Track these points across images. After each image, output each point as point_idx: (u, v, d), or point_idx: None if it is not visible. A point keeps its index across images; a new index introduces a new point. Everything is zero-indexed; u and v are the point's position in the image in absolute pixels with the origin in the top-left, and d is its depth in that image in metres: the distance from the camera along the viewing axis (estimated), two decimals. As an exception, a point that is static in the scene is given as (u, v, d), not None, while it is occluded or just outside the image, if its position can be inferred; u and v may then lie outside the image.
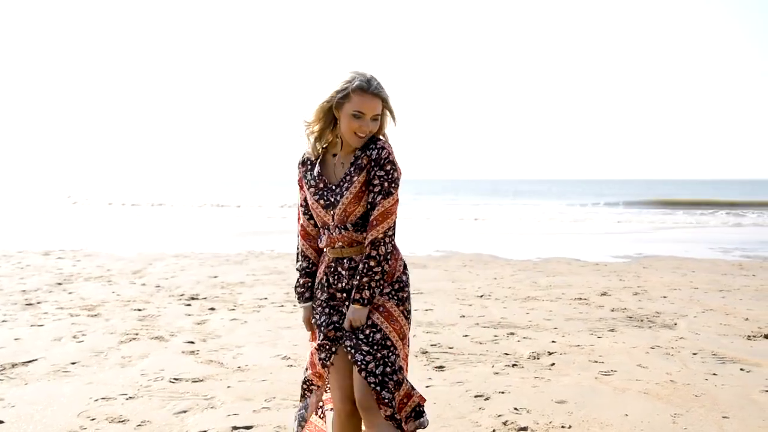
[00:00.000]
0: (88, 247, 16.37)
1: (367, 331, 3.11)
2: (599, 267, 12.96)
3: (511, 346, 6.67)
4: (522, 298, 9.36)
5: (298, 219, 3.36)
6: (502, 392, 5.22)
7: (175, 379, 5.58)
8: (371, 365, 3.06)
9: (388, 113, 3.17)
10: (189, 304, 8.83)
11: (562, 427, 4.52)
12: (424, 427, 3.19)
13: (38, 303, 8.80)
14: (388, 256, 3.11)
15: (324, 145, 3.21)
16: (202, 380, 5.55)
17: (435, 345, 6.72)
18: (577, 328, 7.49)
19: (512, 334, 7.18)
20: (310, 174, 3.21)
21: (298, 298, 3.34)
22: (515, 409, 4.85)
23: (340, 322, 3.17)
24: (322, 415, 3.47)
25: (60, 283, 10.45)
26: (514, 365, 6.01)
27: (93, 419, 4.65)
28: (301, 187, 3.27)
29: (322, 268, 3.28)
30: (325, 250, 3.26)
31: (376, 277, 3.10)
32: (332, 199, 3.12)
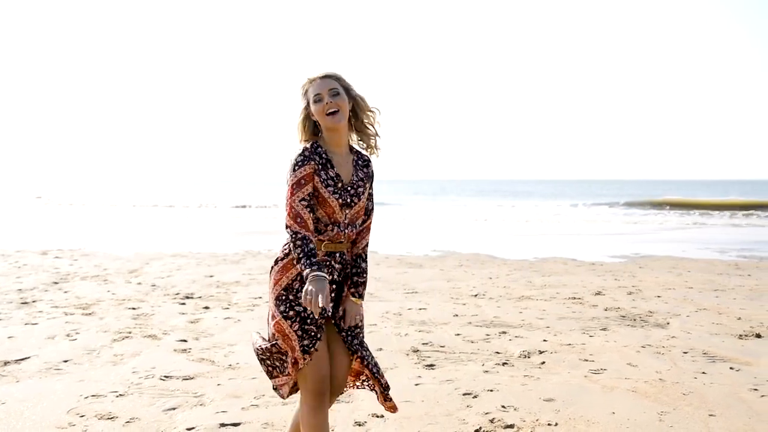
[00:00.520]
0: (85, 246, 16.41)
1: (357, 331, 3.41)
2: (595, 267, 12.99)
3: (503, 345, 6.70)
4: (516, 298, 9.38)
5: (297, 215, 3.22)
6: (491, 390, 5.24)
7: (165, 376, 5.61)
8: (374, 359, 3.42)
9: (355, 95, 3.42)
10: (184, 303, 8.85)
11: (549, 424, 4.54)
12: None
13: (33, 302, 8.83)
14: None
15: (317, 142, 3.35)
16: (192, 378, 5.58)
17: (426, 344, 6.74)
18: (570, 327, 7.52)
19: (504, 333, 7.21)
20: (325, 172, 3.29)
21: (319, 270, 3.09)
22: (503, 406, 4.87)
23: (323, 313, 3.25)
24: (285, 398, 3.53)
25: (56, 282, 10.49)
26: (504, 364, 6.03)
27: (82, 416, 4.68)
28: (308, 182, 3.25)
29: None
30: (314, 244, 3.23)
31: (366, 276, 3.48)
32: (348, 199, 3.32)
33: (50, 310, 8.31)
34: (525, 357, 6.26)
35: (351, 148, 3.49)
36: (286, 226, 3.22)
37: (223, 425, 4.53)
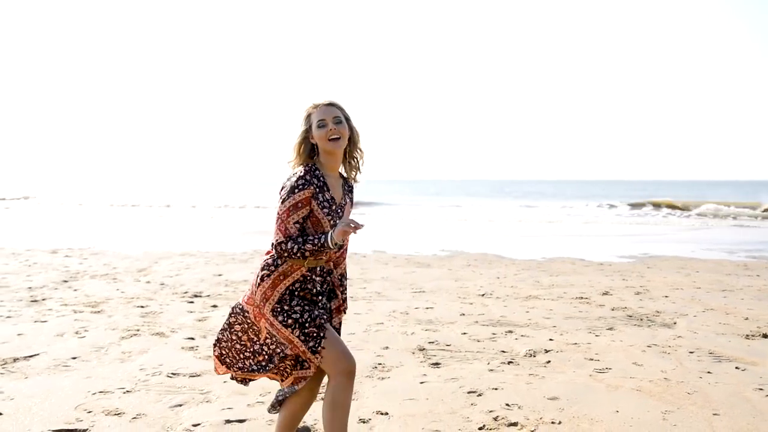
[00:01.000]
0: (95, 245, 16.50)
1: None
2: (603, 267, 12.98)
3: (509, 344, 6.71)
4: (523, 297, 9.39)
5: (289, 237, 3.45)
6: (496, 389, 5.26)
7: (172, 374, 5.65)
8: None
9: (353, 126, 3.70)
10: (192, 302, 8.90)
11: (552, 422, 4.56)
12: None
13: (43, 300, 8.90)
14: None
15: (314, 167, 3.57)
16: (199, 375, 5.62)
17: (432, 342, 6.76)
18: (576, 326, 7.53)
19: (510, 332, 7.22)
20: (322, 195, 3.52)
21: (329, 238, 3.42)
22: (507, 405, 4.89)
23: (322, 314, 3.55)
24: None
25: (66, 281, 10.55)
26: (509, 362, 6.05)
27: (90, 412, 4.72)
28: (304, 206, 3.47)
29: (294, 276, 3.54)
30: (292, 262, 3.52)
31: (347, 292, 4.00)
32: (337, 221, 3.57)
33: (59, 307, 8.37)
34: (530, 356, 6.28)
35: (340, 173, 3.77)
36: (277, 243, 3.46)
37: (228, 422, 4.57)
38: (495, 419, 4.60)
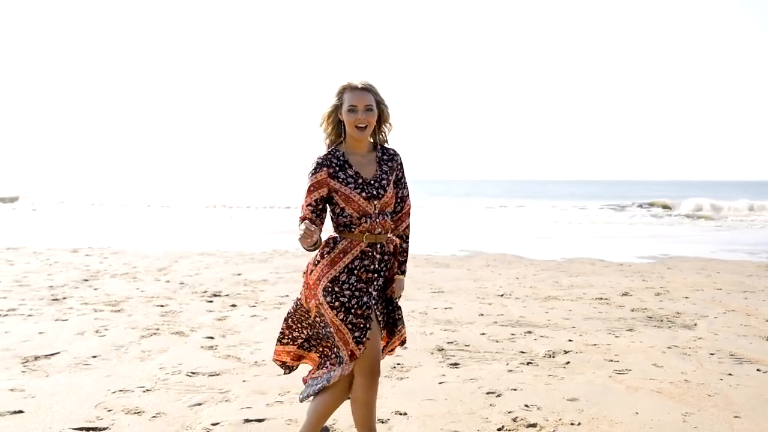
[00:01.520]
0: (115, 244, 16.61)
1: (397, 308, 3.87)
2: (623, 267, 12.91)
3: (528, 345, 6.69)
4: (542, 298, 9.36)
5: (303, 218, 3.68)
6: (515, 389, 5.25)
7: (192, 373, 5.67)
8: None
9: (383, 107, 3.77)
10: (211, 301, 8.94)
11: (572, 424, 4.54)
12: None
13: (64, 298, 8.96)
14: None
15: (336, 148, 3.74)
16: (218, 374, 5.64)
17: (451, 342, 6.76)
18: (596, 327, 7.49)
19: (530, 332, 7.20)
20: (344, 173, 3.65)
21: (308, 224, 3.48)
22: (526, 406, 4.87)
23: (370, 302, 3.62)
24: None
25: (86, 280, 10.63)
26: (528, 363, 6.03)
27: (110, 410, 4.75)
28: (317, 189, 3.65)
29: (353, 253, 3.65)
30: (352, 238, 3.66)
31: (407, 255, 3.94)
32: (374, 192, 3.65)
33: (80, 306, 8.43)
34: (550, 357, 6.26)
35: (375, 145, 3.86)
36: (300, 220, 3.65)
37: (247, 421, 4.58)
38: (514, 420, 4.59)
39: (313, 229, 3.39)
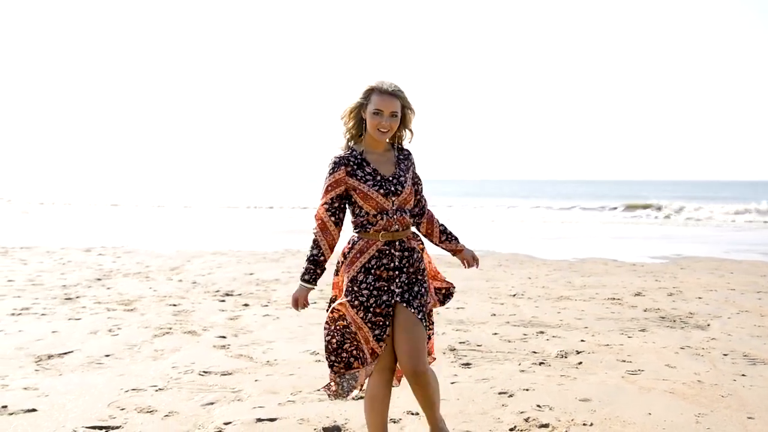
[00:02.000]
0: (128, 244, 16.67)
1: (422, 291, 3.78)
2: (636, 268, 12.87)
3: (540, 345, 6.68)
4: (555, 298, 9.34)
5: (320, 217, 3.73)
6: (527, 390, 5.23)
7: (204, 372, 5.69)
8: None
9: (408, 111, 3.77)
10: (223, 300, 8.96)
11: (584, 424, 4.52)
12: None
13: (77, 297, 9.01)
14: None
15: (354, 145, 3.76)
16: (231, 374, 5.66)
17: (463, 342, 6.75)
18: (608, 327, 7.47)
19: (542, 332, 7.18)
20: (361, 171, 3.67)
21: (303, 276, 3.73)
22: (538, 406, 4.86)
23: (389, 301, 3.63)
24: (360, 388, 3.93)
25: (99, 279, 10.68)
26: (541, 363, 6.02)
27: (122, 409, 4.77)
28: (335, 187, 3.68)
29: (370, 253, 3.67)
30: (368, 237, 3.68)
31: (449, 230, 4.11)
32: (392, 188, 3.67)
33: (93, 305, 8.47)
34: (562, 357, 6.24)
35: (392, 145, 3.88)
36: (316, 219, 3.72)
37: (259, 420, 4.59)
38: (526, 420, 4.58)
39: (299, 310, 3.75)
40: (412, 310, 3.63)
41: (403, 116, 3.75)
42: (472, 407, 4.85)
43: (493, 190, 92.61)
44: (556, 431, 4.42)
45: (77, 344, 6.57)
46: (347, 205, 3.75)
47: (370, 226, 3.66)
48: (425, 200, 4.03)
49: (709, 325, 7.62)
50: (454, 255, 4.16)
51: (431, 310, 3.89)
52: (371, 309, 3.61)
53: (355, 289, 3.64)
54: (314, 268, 3.71)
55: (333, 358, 3.77)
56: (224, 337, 6.93)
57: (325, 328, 3.76)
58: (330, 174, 3.68)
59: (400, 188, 3.69)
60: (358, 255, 3.67)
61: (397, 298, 3.65)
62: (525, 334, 7.11)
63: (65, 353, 6.24)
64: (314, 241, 3.72)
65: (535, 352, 6.41)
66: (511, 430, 4.43)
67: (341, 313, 3.73)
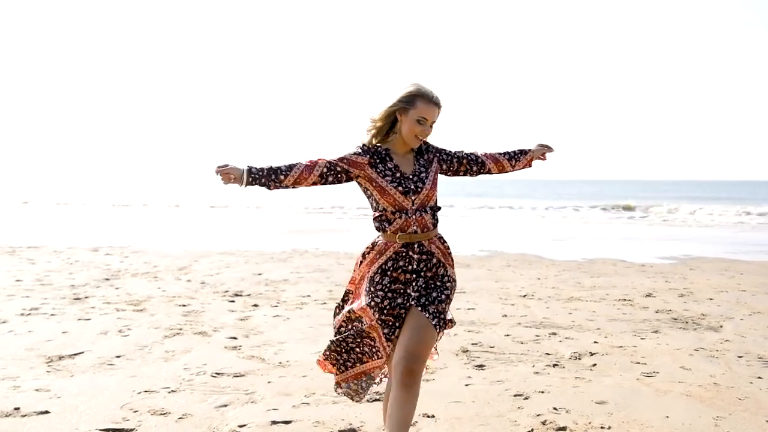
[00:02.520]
0: (135, 243, 16.65)
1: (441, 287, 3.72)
2: (645, 268, 12.81)
3: (553, 346, 6.64)
4: (565, 299, 9.29)
5: (317, 160, 3.65)
6: (542, 392, 5.19)
7: (216, 373, 5.65)
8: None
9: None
10: (233, 301, 8.93)
11: (602, 427, 4.48)
12: None
13: (86, 298, 8.98)
14: None
15: (378, 144, 3.73)
16: (243, 375, 5.62)
17: (476, 344, 6.71)
18: (620, 329, 7.42)
19: (554, 334, 7.14)
20: (383, 165, 3.65)
21: (252, 167, 3.54)
22: (554, 408, 4.82)
23: (404, 304, 3.62)
24: (378, 382, 3.96)
25: (107, 279, 10.65)
26: (555, 365, 5.97)
27: (136, 411, 4.74)
28: (350, 164, 3.63)
29: (387, 254, 3.65)
30: (387, 239, 3.66)
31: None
32: (412, 186, 3.63)
33: (102, 306, 8.44)
34: (575, 359, 6.20)
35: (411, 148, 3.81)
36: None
37: (274, 423, 4.55)
38: (543, 423, 4.54)
39: (231, 175, 3.51)
40: (427, 315, 3.56)
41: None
42: (488, 410, 4.81)
43: (493, 190, 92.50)
44: (573, 434, 4.38)
45: (88, 345, 6.54)
46: (367, 200, 3.75)
47: (387, 225, 3.63)
48: (476, 152, 3.97)
49: (721, 326, 7.57)
50: (532, 162, 4.16)
51: (449, 321, 3.77)
52: (385, 310, 3.61)
53: (372, 289, 3.64)
54: (267, 173, 3.55)
55: (345, 356, 3.80)
56: (235, 338, 6.90)
57: (341, 329, 3.80)
58: (354, 153, 3.67)
59: (420, 185, 3.65)
60: (377, 256, 3.67)
61: (413, 302, 3.62)
62: (537, 336, 7.07)
63: (76, 354, 6.21)
64: (292, 164, 3.60)
65: (548, 354, 6.36)
66: (528, 433, 4.40)
67: (358, 315, 3.71)
